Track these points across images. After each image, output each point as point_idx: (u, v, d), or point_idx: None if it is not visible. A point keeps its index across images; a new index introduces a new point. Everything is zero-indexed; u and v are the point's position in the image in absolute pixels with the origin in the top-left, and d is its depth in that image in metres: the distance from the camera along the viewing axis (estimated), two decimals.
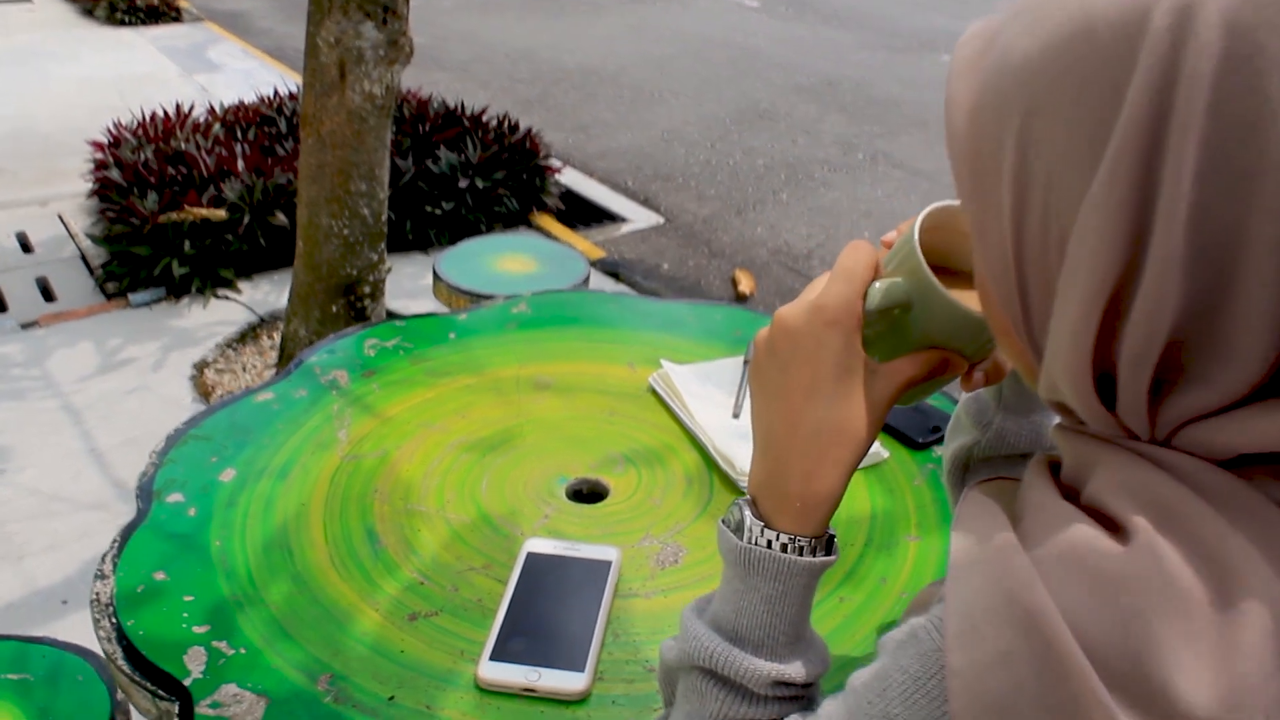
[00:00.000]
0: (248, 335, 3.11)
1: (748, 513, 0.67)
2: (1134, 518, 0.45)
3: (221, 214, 3.25)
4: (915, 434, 1.23)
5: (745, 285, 3.80)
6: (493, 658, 0.90)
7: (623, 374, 1.37)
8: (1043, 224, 0.48)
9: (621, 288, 3.64)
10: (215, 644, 0.93)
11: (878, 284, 0.66)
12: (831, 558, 0.67)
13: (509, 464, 1.18)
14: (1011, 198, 0.49)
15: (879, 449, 1.21)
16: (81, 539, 2.26)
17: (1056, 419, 0.87)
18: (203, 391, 2.81)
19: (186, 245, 3.22)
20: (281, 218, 3.37)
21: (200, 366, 2.93)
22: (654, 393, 1.33)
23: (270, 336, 3.10)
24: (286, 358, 2.77)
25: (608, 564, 1.01)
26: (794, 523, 0.65)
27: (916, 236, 0.66)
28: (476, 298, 2.36)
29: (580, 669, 0.89)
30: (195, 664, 0.91)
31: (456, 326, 1.46)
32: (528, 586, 0.98)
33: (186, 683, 0.89)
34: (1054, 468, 0.54)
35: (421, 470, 1.17)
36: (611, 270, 3.77)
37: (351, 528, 1.08)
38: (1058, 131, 0.46)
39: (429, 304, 3.10)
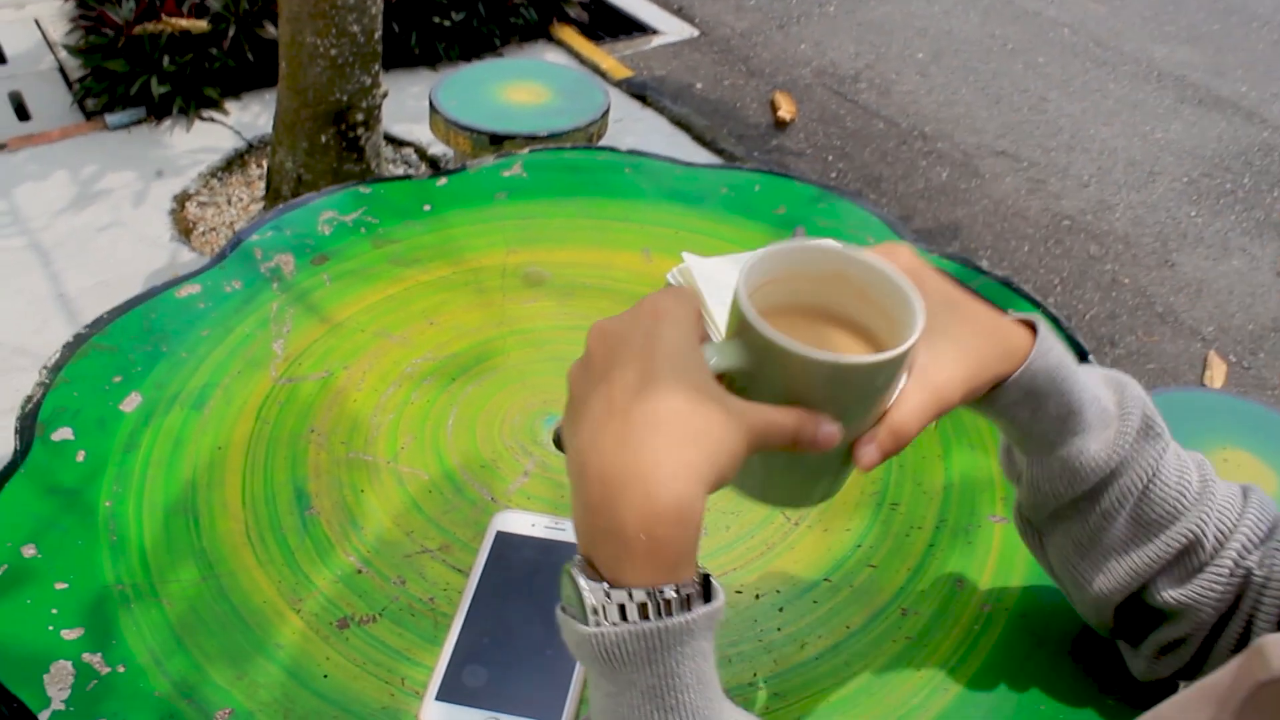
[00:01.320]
0: (234, 163, 2.83)
1: (582, 581, 0.45)
2: None
3: (204, 25, 2.92)
4: None
5: (786, 110, 3.45)
6: (440, 696, 0.68)
7: (635, 264, 1.11)
8: None
9: (648, 113, 3.31)
10: (87, 657, 0.72)
11: (707, 348, 0.51)
12: (715, 605, 0.46)
13: (483, 394, 0.94)
14: None
15: None
16: None
17: (1089, 443, 0.59)
18: (183, 229, 2.56)
19: (166, 61, 2.90)
20: (272, 30, 3.03)
21: (181, 199, 2.66)
22: None
23: (259, 164, 2.82)
24: (273, 192, 2.50)
25: None
26: (645, 568, 0.44)
27: (744, 283, 0.51)
28: (478, 134, 2.07)
29: (555, 718, 0.67)
30: (58, 688, 0.70)
31: (433, 196, 1.19)
32: (493, 585, 0.75)
33: (44, 717, 0.68)
34: None
35: (372, 401, 0.92)
36: (639, 93, 3.42)
37: (277, 485, 0.84)
38: None
39: None
